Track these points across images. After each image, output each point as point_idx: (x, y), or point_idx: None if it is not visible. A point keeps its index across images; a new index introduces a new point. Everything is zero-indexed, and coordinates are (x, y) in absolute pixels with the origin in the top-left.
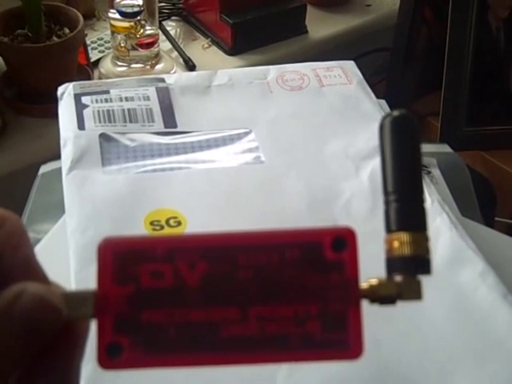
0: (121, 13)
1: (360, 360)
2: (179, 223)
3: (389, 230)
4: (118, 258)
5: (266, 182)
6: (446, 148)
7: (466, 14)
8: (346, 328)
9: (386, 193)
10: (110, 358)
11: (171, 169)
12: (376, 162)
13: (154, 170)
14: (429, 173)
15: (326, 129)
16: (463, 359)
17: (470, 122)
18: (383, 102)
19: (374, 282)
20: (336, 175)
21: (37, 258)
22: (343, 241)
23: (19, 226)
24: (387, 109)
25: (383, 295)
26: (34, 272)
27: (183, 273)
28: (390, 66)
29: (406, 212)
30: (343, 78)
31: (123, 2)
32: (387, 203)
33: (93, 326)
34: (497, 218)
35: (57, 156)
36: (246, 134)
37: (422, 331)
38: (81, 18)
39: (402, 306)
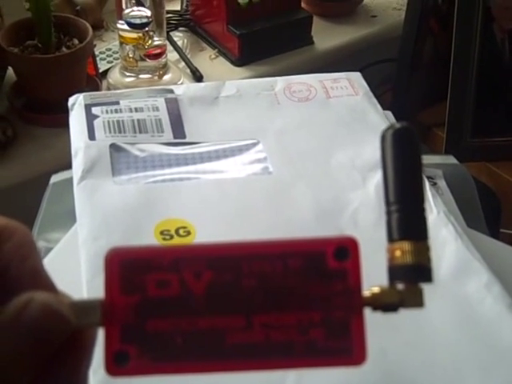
0: (129, 24)
1: (367, 368)
2: (188, 233)
3: (391, 239)
4: (125, 267)
5: (274, 193)
6: (451, 159)
7: (471, 25)
8: (350, 335)
9: (387, 203)
10: (117, 366)
11: (180, 179)
12: None
13: (164, 181)
14: (434, 184)
15: (333, 140)
16: (469, 369)
17: (475, 133)
18: (389, 113)
19: (376, 290)
20: (343, 186)
21: (45, 268)
22: (346, 250)
23: (28, 237)
24: (393, 120)
25: (385, 303)
26: (42, 282)
27: (189, 282)
28: (395, 76)
29: (407, 221)
30: (350, 89)
31: (132, 13)
32: (389, 213)
33: (100, 335)
34: (502, 230)
35: (66, 165)
36: (254, 144)
37: (428, 341)
38: (90, 29)
39: (407, 316)
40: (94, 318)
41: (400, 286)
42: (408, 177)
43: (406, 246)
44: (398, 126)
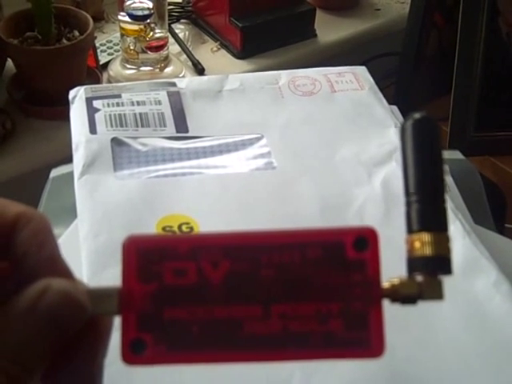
0: (131, 15)
1: (375, 366)
2: (191, 229)
3: (410, 230)
4: (142, 255)
5: (278, 188)
6: (457, 155)
7: (477, 19)
8: (368, 327)
9: (407, 194)
10: (133, 354)
11: (183, 174)
12: (388, 169)
13: (166, 175)
14: None
15: (338, 134)
16: (477, 367)
17: (479, 127)
18: (395, 107)
19: (395, 281)
20: (348, 181)
21: (62, 255)
22: (365, 240)
23: (45, 223)
24: (399, 115)
25: (404, 295)
26: (60, 269)
27: (206, 271)
28: (399, 70)
29: (427, 212)
30: (355, 83)
31: (133, 5)
32: (409, 204)
33: (116, 323)
34: (507, 225)
35: (66, 158)
36: (258, 139)
37: (437, 339)
38: (91, 20)
39: (415, 314)
40: (111, 306)
41: (419, 278)
42: (429, 167)
43: (426, 237)
44: (418, 116)
